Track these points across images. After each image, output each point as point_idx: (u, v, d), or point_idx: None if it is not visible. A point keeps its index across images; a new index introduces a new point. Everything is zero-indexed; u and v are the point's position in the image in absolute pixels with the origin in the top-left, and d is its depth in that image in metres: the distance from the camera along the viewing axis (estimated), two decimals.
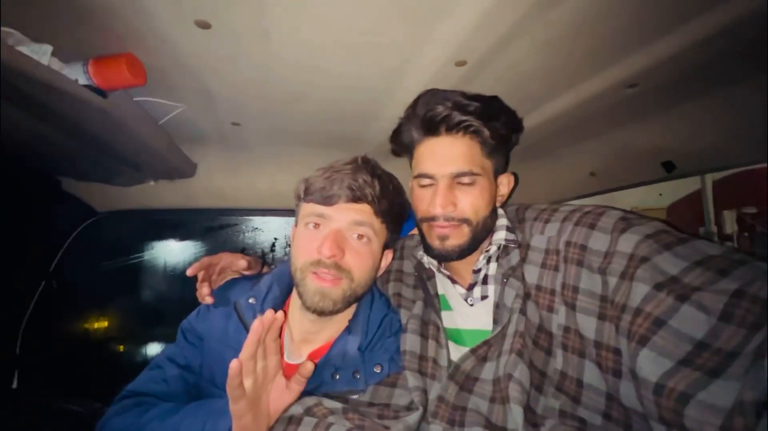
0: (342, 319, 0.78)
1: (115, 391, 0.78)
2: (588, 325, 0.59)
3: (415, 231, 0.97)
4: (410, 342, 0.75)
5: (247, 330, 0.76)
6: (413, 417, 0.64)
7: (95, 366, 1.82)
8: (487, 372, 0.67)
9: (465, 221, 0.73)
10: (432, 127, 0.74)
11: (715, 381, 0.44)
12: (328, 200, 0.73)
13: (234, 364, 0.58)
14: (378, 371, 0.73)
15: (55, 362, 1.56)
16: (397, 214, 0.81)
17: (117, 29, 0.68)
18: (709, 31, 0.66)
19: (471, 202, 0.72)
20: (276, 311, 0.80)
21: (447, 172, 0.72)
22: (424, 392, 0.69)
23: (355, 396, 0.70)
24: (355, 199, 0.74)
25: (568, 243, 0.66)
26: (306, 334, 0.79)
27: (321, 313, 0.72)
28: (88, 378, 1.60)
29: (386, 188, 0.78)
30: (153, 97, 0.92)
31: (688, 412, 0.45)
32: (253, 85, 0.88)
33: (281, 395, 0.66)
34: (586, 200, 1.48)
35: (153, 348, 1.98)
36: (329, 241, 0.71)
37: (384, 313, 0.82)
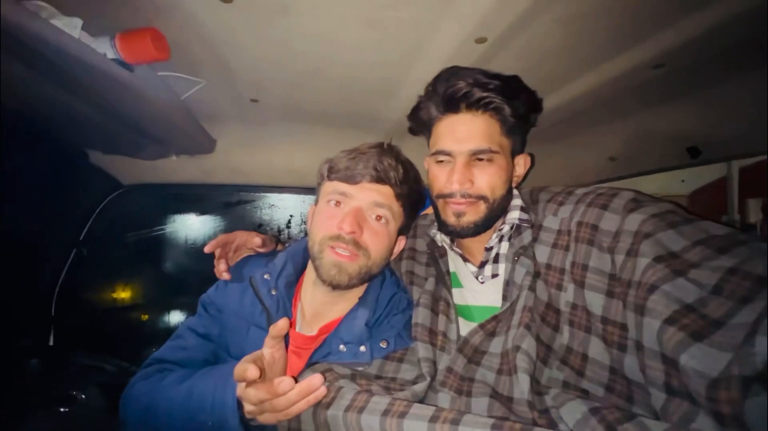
0: (353, 296, 0.81)
1: (140, 351, 0.84)
2: (596, 301, 0.60)
3: (428, 210, 0.98)
4: (422, 315, 0.77)
5: (262, 303, 0.80)
6: (420, 386, 0.67)
7: (122, 327, 1.95)
8: (495, 346, 0.69)
9: (481, 198, 0.73)
10: (452, 104, 0.75)
11: (696, 345, 0.45)
12: (352, 179, 0.76)
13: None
14: (384, 346, 0.76)
15: (87, 323, 1.67)
16: (415, 200, 0.84)
17: (142, 3, 0.70)
18: (740, 10, 0.63)
19: (488, 180, 0.73)
20: (290, 287, 0.84)
21: (465, 149, 0.73)
22: (433, 363, 0.72)
23: (360, 368, 0.73)
24: (379, 179, 0.77)
25: (579, 224, 0.66)
26: (318, 309, 0.83)
27: (336, 287, 0.75)
28: (115, 339, 1.71)
29: (408, 174, 0.81)
30: (175, 72, 0.94)
31: (681, 376, 0.47)
32: (272, 61, 0.89)
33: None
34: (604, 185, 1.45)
35: (174, 315, 2.09)
36: (350, 217, 0.73)
37: (393, 292, 0.84)
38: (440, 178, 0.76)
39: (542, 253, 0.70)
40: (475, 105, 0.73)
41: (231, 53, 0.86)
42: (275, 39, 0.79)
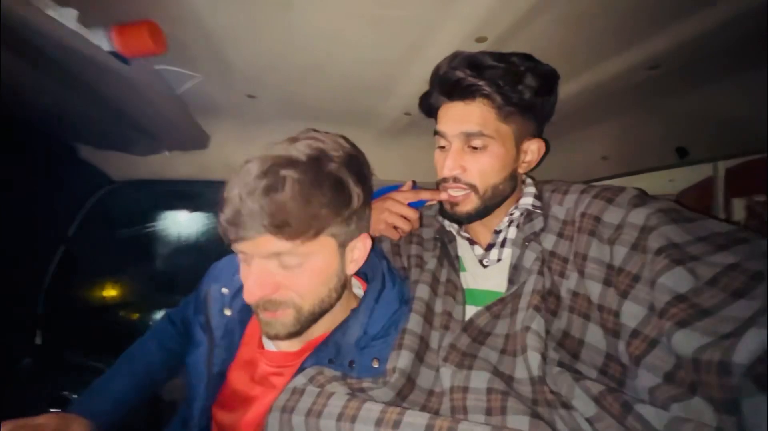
0: (341, 310, 0.72)
1: None
2: (594, 290, 0.64)
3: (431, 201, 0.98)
4: (421, 290, 0.77)
5: (207, 321, 0.73)
6: (402, 362, 0.67)
7: (112, 326, 1.91)
8: (501, 328, 0.71)
9: (471, 187, 0.76)
10: (448, 91, 0.77)
11: (681, 331, 0.48)
12: (240, 239, 0.60)
13: None
14: (375, 366, 0.69)
15: (76, 322, 1.64)
16: (322, 219, 0.61)
17: None
18: (735, 13, 0.65)
19: (479, 168, 0.75)
20: (246, 312, 0.76)
21: (457, 131, 0.75)
22: (420, 338, 0.71)
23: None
24: (272, 231, 0.58)
25: (583, 215, 0.69)
26: None
27: (284, 339, 0.67)
28: (106, 338, 1.68)
29: (296, 202, 0.58)
30: (172, 66, 0.92)
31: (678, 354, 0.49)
32: (271, 56, 0.88)
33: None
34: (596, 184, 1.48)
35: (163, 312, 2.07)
36: (254, 286, 0.61)
37: (393, 309, 0.74)
38: (439, 163, 0.80)
39: (548, 241, 0.73)
40: (466, 92, 0.74)
41: (229, 48, 0.85)
42: (275, 33, 0.78)
